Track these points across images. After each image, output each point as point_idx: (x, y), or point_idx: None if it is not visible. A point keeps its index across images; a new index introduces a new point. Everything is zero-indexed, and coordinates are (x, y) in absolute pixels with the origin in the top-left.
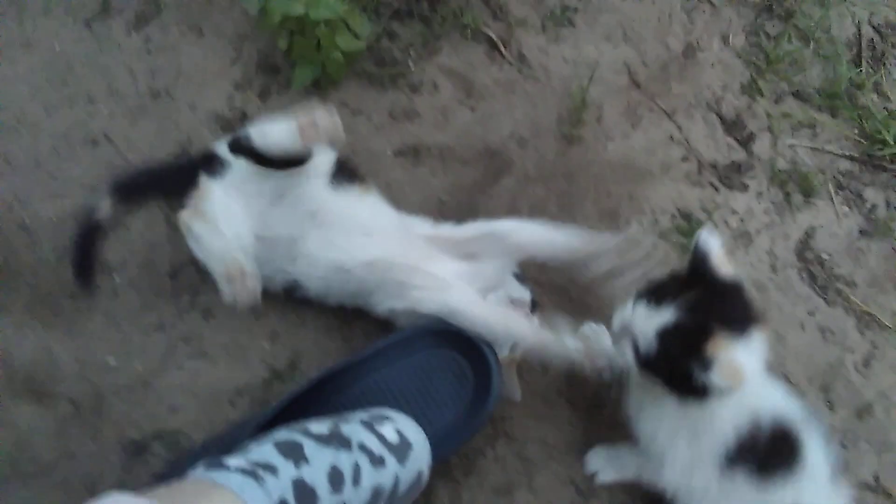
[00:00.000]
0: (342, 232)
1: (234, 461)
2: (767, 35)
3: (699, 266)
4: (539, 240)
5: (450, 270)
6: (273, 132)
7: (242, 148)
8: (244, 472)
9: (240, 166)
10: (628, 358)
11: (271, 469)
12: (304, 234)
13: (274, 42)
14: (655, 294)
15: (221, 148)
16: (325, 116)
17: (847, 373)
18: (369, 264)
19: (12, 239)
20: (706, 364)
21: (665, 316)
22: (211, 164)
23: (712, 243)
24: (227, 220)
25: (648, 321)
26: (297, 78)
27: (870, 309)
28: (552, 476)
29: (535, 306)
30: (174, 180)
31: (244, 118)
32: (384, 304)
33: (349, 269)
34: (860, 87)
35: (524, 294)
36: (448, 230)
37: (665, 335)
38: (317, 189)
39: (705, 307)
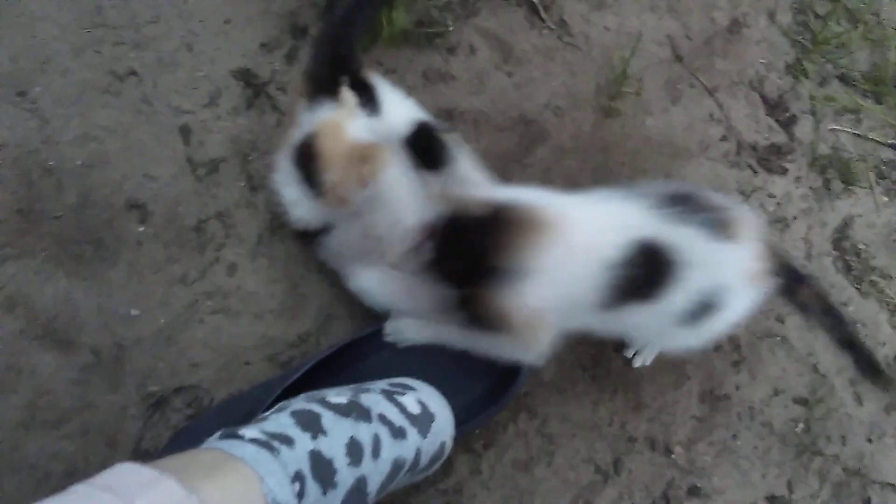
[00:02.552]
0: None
1: (249, 431)
2: (816, 14)
3: None
4: None
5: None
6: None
7: (431, 154)
8: (259, 443)
9: (389, 118)
10: None
11: (287, 440)
12: None
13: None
14: None
15: (384, 87)
16: None
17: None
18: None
19: (37, 183)
20: None
21: None
22: (363, 92)
23: None
24: None
25: None
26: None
27: None
28: (573, 454)
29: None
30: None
31: (272, 79)
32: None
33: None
34: None
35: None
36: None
37: None
38: None
39: None
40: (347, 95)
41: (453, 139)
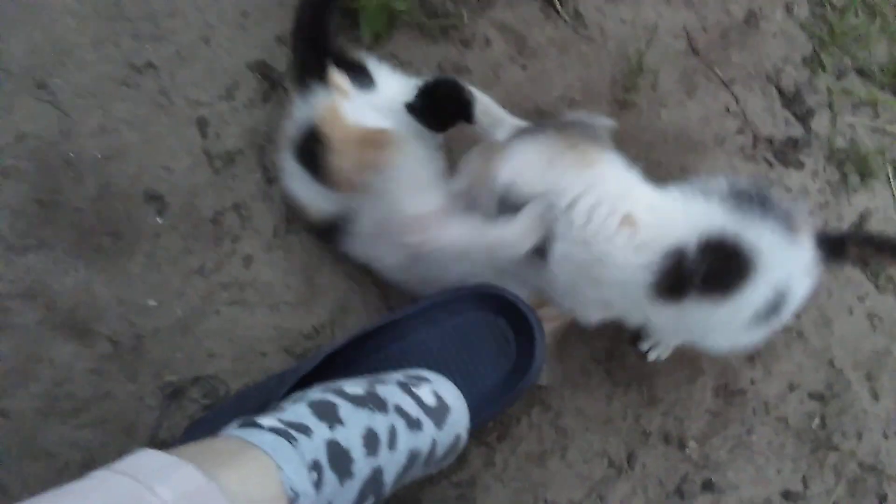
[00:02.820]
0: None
1: (267, 421)
2: (833, 6)
3: None
4: None
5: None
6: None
7: (452, 100)
8: (277, 432)
9: (385, 91)
10: None
11: (305, 430)
12: None
13: None
14: None
15: (372, 63)
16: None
17: (894, 362)
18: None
19: (56, 174)
20: None
21: None
22: (354, 70)
23: None
24: None
25: None
26: (365, 25)
27: None
28: (586, 447)
29: None
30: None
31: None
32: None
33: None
34: None
35: None
36: None
37: None
38: None
39: None
40: (336, 77)
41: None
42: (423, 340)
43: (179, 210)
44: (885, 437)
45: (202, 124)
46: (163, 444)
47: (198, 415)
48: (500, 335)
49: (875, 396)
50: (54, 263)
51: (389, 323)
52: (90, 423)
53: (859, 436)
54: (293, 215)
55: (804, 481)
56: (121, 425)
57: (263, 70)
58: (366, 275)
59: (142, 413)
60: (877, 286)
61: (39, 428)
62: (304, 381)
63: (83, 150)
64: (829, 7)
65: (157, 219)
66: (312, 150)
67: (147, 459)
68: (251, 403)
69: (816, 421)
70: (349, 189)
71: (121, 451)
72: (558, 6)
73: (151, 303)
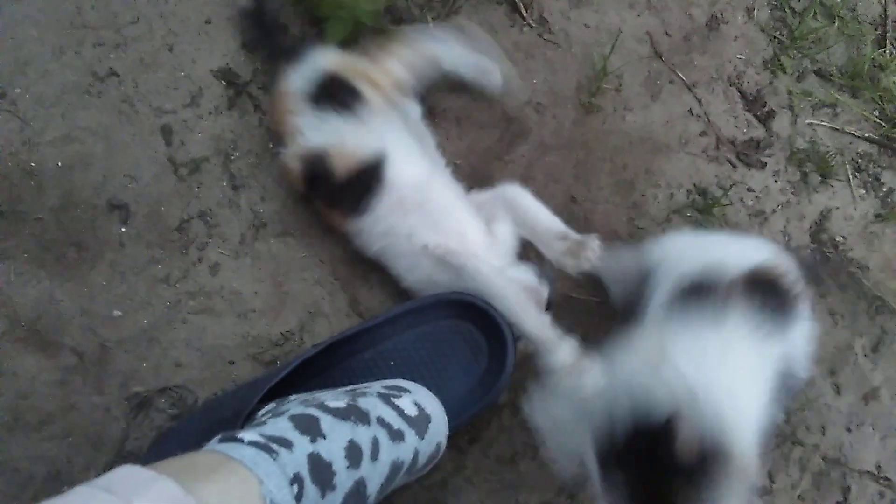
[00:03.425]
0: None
1: (248, 435)
2: (792, 10)
3: None
4: (534, 212)
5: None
6: None
7: None
8: (258, 446)
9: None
10: None
11: (286, 444)
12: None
13: None
14: None
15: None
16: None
17: (855, 357)
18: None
19: (17, 184)
20: None
21: None
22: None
23: None
24: None
25: None
26: (330, 32)
27: (881, 294)
28: None
29: (549, 306)
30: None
31: (253, 78)
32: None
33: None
34: (883, 68)
35: (541, 287)
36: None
37: None
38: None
39: None
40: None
41: None
42: (396, 347)
43: (144, 219)
44: (848, 430)
45: (167, 132)
46: (130, 456)
47: (166, 425)
48: (471, 341)
49: (837, 391)
50: (17, 275)
51: (362, 330)
52: (55, 436)
53: (823, 430)
54: (260, 222)
55: (770, 476)
56: (87, 438)
57: (228, 77)
58: (335, 280)
59: (108, 425)
60: (838, 284)
61: (3, 442)
62: (275, 390)
63: (45, 160)
64: (788, 11)
65: (122, 228)
66: (343, 90)
67: (126, 475)
68: (222, 413)
69: (781, 416)
70: (392, 94)
71: (87, 465)
72: (523, 12)
73: (116, 313)
